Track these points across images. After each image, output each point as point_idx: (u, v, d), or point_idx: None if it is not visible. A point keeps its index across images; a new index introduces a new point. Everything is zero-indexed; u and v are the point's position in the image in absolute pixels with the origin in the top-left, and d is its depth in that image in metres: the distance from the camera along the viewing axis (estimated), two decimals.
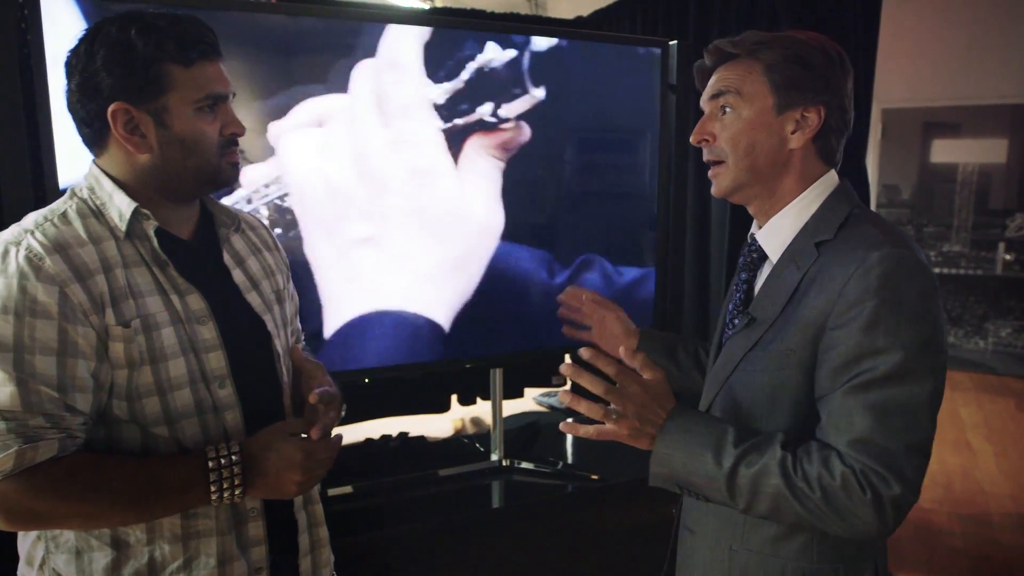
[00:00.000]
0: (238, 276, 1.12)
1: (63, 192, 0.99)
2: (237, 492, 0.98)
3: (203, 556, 1.01)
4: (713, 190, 1.09)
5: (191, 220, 1.09)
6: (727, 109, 1.04)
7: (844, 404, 0.92)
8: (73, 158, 1.64)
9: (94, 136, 1.00)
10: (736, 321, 1.09)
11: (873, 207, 5.49)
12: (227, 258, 1.12)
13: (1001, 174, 5.34)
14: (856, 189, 2.82)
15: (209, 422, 1.02)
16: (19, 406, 0.88)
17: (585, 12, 3.63)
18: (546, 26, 3.32)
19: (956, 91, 5.23)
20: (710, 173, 1.08)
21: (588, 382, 0.97)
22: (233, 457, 0.98)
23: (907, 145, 5.56)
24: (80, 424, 0.93)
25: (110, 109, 0.96)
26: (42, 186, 1.62)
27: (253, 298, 1.12)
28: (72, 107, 0.99)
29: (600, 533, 2.17)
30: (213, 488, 0.96)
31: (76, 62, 0.96)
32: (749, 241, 1.13)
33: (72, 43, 0.97)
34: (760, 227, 1.09)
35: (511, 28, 2.10)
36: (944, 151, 5.52)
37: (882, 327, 0.90)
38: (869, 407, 0.90)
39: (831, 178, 1.06)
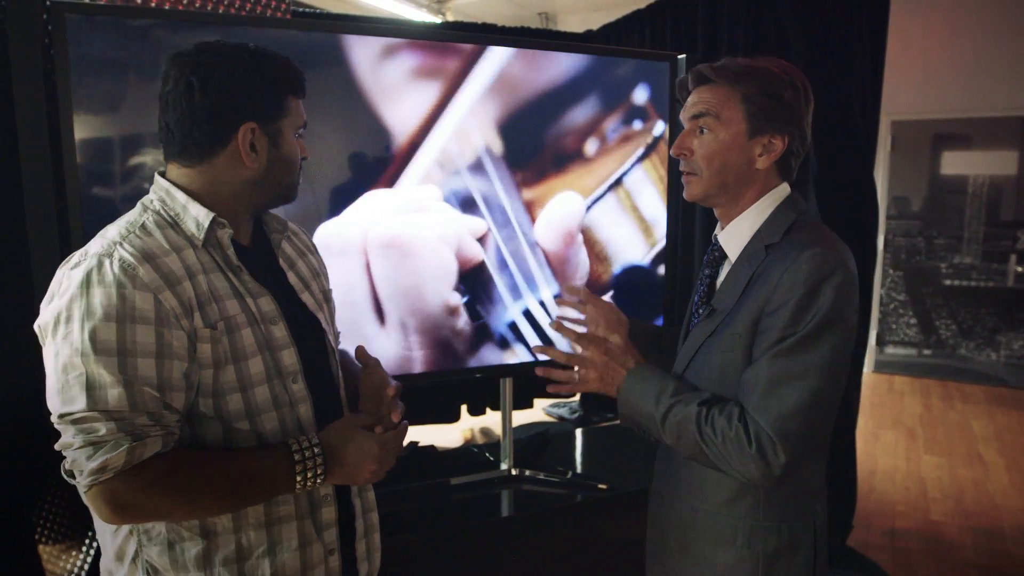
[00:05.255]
0: (292, 278, 1.20)
1: (85, 204, 1.04)
2: (319, 480, 1.06)
3: (285, 540, 1.09)
4: (685, 194, 1.24)
5: (250, 228, 1.18)
6: (705, 129, 1.18)
7: (755, 370, 1.11)
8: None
9: (208, 148, 1.06)
10: (701, 311, 1.25)
11: (883, 219, 5.49)
12: (281, 261, 1.20)
13: (1012, 186, 5.32)
14: (865, 201, 2.84)
15: (286, 415, 1.10)
16: (126, 406, 0.95)
17: (595, 26, 3.67)
18: (557, 40, 3.36)
19: (966, 103, 5.23)
20: (684, 180, 1.24)
21: (556, 355, 1.27)
22: (315, 448, 1.06)
23: (917, 157, 5.56)
24: (176, 421, 1.01)
25: (243, 127, 1.06)
26: (63, 198, 1.66)
27: (307, 298, 1.21)
28: (195, 119, 1.04)
29: (609, 542, 2.18)
30: (299, 477, 1.04)
31: (212, 82, 1.03)
32: (713, 242, 1.28)
33: (197, 65, 1.04)
34: (722, 229, 1.25)
35: (522, 43, 2.13)
36: (954, 163, 5.52)
37: (801, 312, 1.08)
38: (770, 375, 1.09)
39: (783, 189, 1.22)
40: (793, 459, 1.08)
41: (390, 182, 1.97)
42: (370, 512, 1.28)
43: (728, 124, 1.16)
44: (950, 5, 5.19)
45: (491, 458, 2.46)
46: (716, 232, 1.27)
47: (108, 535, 1.08)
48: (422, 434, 3.15)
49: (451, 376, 2.15)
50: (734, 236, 1.22)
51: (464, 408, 3.50)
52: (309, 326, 1.19)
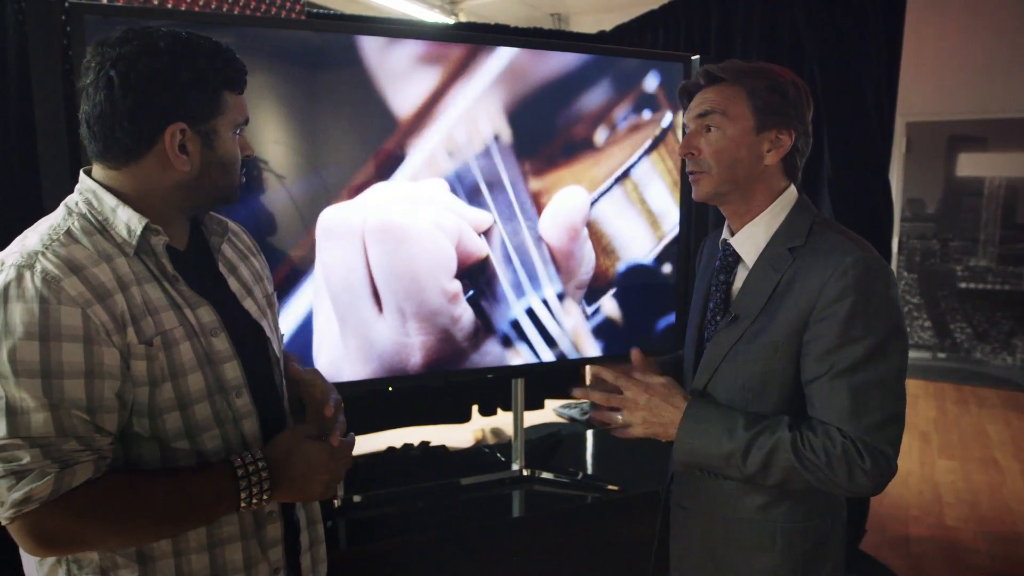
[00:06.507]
0: (233, 284, 1.12)
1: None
2: (265, 497, 1.00)
3: (229, 563, 1.02)
4: (694, 194, 1.24)
5: (186, 231, 1.09)
6: (712, 127, 1.18)
7: (832, 387, 1.09)
8: None
9: (132, 149, 0.97)
10: (719, 318, 1.24)
11: (897, 221, 5.44)
12: (221, 267, 1.12)
13: None
14: (879, 203, 2.82)
15: (229, 432, 1.03)
16: (52, 432, 0.87)
17: (608, 27, 3.66)
18: (570, 41, 3.36)
19: (982, 104, 5.18)
20: (692, 180, 1.23)
21: (599, 398, 1.21)
22: (260, 464, 1.00)
23: (932, 159, 5.50)
24: (108, 444, 0.93)
25: (170, 128, 0.96)
26: None
27: (250, 305, 1.13)
28: (116, 119, 0.95)
29: (620, 543, 2.18)
30: (243, 495, 0.98)
31: (134, 77, 0.94)
32: (722, 247, 1.26)
33: (120, 57, 0.94)
34: (733, 234, 1.24)
35: (535, 43, 2.13)
36: (970, 165, 5.46)
37: (858, 319, 1.08)
38: (853, 388, 1.08)
39: (792, 192, 1.22)
40: (896, 461, 1.10)
41: (394, 166, 1.98)
42: (315, 524, 1.21)
43: (736, 120, 1.16)
44: (966, 6, 5.14)
45: (502, 458, 2.46)
46: (725, 237, 1.26)
47: (32, 565, 1.00)
48: (433, 434, 3.15)
49: (462, 376, 2.16)
50: (750, 240, 1.21)
51: (475, 408, 3.51)
52: (252, 335, 1.11)
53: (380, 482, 2.22)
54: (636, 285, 2.31)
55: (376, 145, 1.95)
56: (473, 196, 2.06)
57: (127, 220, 0.97)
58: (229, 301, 1.10)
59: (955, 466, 3.90)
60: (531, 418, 4.01)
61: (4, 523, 0.89)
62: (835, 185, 2.61)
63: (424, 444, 2.65)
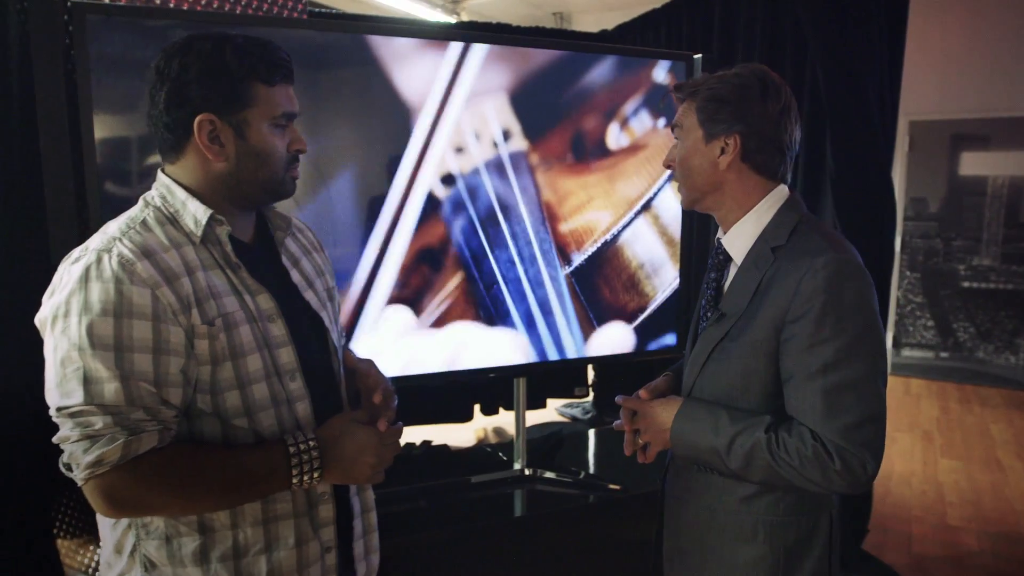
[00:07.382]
0: (295, 276, 1.19)
1: (105, 202, 1.04)
2: (316, 476, 1.06)
3: (282, 538, 1.09)
4: (680, 203, 1.34)
5: (251, 225, 1.17)
6: (678, 140, 1.27)
7: (805, 388, 1.12)
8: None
9: (174, 142, 1.07)
10: (709, 315, 1.28)
11: (900, 221, 5.44)
12: (284, 259, 1.19)
13: None
14: (882, 202, 2.81)
15: (283, 413, 1.09)
16: (122, 401, 0.95)
17: (610, 26, 3.66)
18: (572, 40, 3.36)
19: (985, 103, 5.17)
20: (676, 190, 1.33)
21: (620, 426, 1.35)
22: (311, 443, 1.06)
23: (935, 158, 5.49)
24: (173, 417, 1.01)
25: (197, 119, 1.03)
26: (83, 197, 1.68)
27: (311, 296, 1.20)
28: (157, 114, 1.05)
29: (621, 543, 2.18)
30: (294, 472, 1.05)
31: (168, 72, 1.03)
32: (716, 245, 1.30)
33: (163, 55, 1.04)
34: (724, 233, 1.28)
35: (537, 42, 2.13)
36: (973, 163, 5.45)
37: (828, 320, 1.10)
38: (825, 390, 1.11)
39: (781, 191, 1.24)
40: (878, 462, 1.11)
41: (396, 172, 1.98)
42: (368, 512, 1.27)
43: (688, 132, 1.24)
44: (969, 4, 5.13)
45: (504, 458, 2.46)
46: (719, 236, 1.30)
47: (107, 528, 1.09)
48: (435, 433, 3.16)
49: (465, 376, 2.16)
50: (738, 239, 1.24)
51: (477, 407, 3.51)
52: (312, 325, 1.19)
53: (380, 481, 2.22)
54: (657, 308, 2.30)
55: (375, 152, 1.95)
56: (490, 223, 2.06)
57: (195, 212, 1.06)
58: (291, 292, 1.17)
59: (958, 466, 3.90)
60: (533, 417, 4.02)
61: (79, 483, 0.97)
62: (838, 184, 2.61)
63: (426, 443, 2.65)
